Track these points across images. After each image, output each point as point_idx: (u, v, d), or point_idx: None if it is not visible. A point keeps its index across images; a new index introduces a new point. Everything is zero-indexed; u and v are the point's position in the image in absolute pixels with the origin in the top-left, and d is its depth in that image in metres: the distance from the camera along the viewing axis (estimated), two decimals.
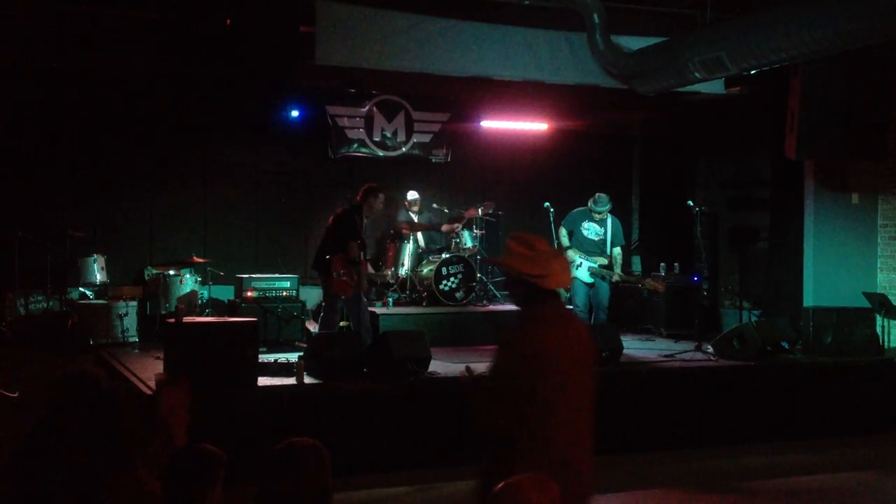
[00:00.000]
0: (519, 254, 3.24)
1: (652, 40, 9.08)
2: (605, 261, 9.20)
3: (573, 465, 3.16)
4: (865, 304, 9.22)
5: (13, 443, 3.05)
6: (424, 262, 10.40)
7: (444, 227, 10.80)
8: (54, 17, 8.72)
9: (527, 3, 8.80)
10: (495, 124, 11.87)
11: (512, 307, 10.31)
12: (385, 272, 10.32)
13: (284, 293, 9.41)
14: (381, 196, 8.87)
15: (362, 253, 8.42)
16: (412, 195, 10.84)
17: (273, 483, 2.55)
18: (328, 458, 2.66)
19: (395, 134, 11.56)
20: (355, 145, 11.35)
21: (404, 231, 10.45)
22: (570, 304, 9.50)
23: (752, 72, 8.23)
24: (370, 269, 9.70)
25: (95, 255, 9.63)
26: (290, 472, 2.56)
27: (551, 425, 3.10)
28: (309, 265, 9.96)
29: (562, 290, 5.29)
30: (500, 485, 2.47)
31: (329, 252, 8.38)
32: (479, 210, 10.70)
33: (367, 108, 11.39)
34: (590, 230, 9.28)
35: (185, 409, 3.24)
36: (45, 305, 9.32)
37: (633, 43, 9.21)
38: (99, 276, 9.62)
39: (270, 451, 2.63)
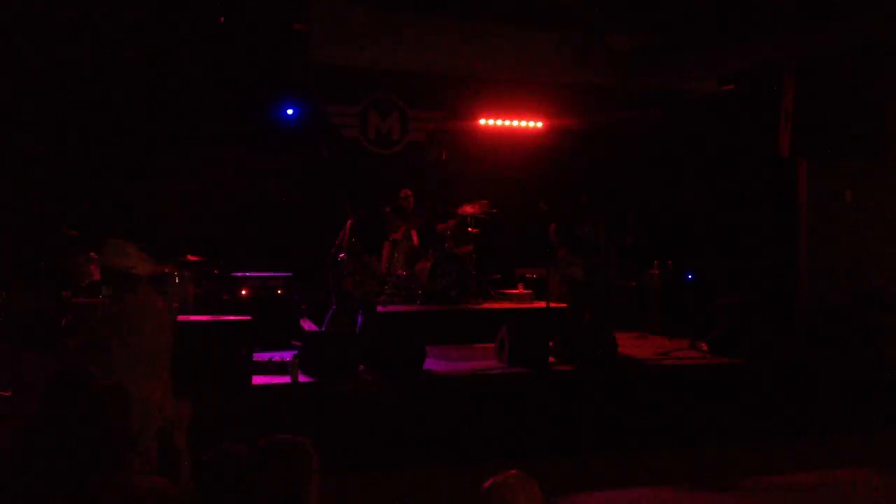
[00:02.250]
0: (113, 253, 4.67)
1: (647, 39, 9.11)
2: (598, 258, 9.21)
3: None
4: (859, 301, 9.24)
5: (4, 441, 3.04)
6: (419, 260, 10.40)
7: (440, 227, 10.79)
8: (53, 11, 8.67)
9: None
10: (490, 122, 11.87)
11: (511, 305, 10.39)
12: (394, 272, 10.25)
13: (279, 291, 9.39)
14: (401, 202, 8.88)
15: (375, 255, 8.46)
16: (407, 194, 10.83)
17: (249, 478, 2.60)
18: (308, 455, 2.67)
19: (389, 132, 11.56)
20: (350, 143, 11.35)
21: (400, 229, 10.44)
22: (566, 302, 9.53)
23: (746, 69, 8.26)
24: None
25: (90, 254, 9.59)
26: (265, 467, 2.60)
27: (133, 373, 4.08)
28: (305, 263, 9.94)
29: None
30: (488, 483, 2.59)
31: (346, 251, 8.31)
32: (474, 208, 10.70)
33: (361, 105, 11.39)
34: (583, 228, 9.29)
35: (188, 421, 3.35)
36: (39, 304, 9.28)
37: (627, 41, 9.23)
38: (93, 274, 9.58)
39: (248, 448, 2.68)
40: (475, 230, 10.75)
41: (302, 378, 6.99)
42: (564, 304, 9.59)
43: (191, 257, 9.35)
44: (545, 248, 9.68)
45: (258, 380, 6.90)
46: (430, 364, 7.59)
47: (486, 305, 10.37)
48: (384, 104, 11.53)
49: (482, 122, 11.84)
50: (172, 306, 4.83)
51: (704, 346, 8.77)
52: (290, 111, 10.93)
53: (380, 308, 9.59)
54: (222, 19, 9.13)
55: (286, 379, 6.99)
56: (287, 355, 7.61)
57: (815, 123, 8.84)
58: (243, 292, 9.24)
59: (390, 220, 9.03)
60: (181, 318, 7.08)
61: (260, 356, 7.55)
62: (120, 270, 4.61)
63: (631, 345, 9.33)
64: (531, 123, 12.02)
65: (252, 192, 10.98)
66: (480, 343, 9.02)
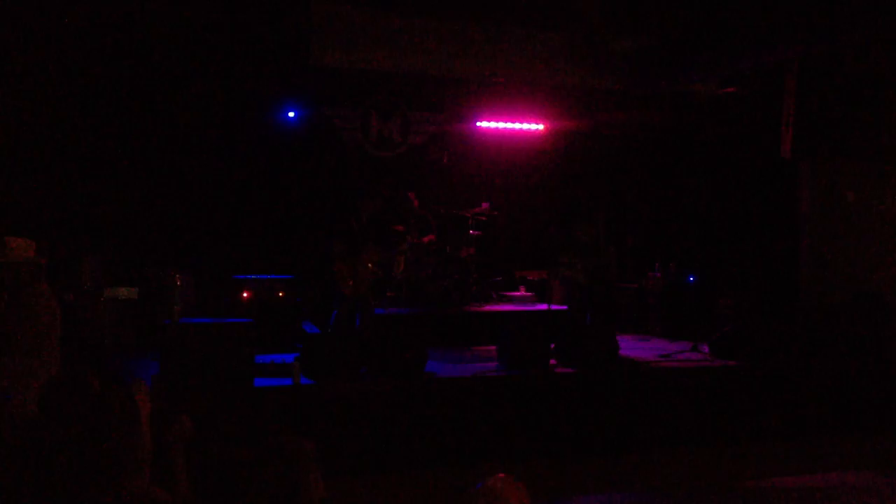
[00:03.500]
0: (22, 248, 5.17)
1: (648, 40, 9.12)
2: (599, 260, 9.20)
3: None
4: (860, 302, 9.24)
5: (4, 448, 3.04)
6: (420, 262, 10.39)
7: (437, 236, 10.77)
8: (50, 14, 8.69)
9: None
10: (492, 125, 11.88)
11: (512, 308, 10.39)
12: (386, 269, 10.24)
13: (280, 294, 9.40)
14: (379, 199, 8.85)
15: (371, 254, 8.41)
16: (409, 196, 10.84)
17: (249, 478, 2.61)
18: (308, 456, 2.68)
19: (391, 134, 11.56)
20: (351, 146, 11.36)
21: (402, 232, 10.44)
22: (567, 304, 9.53)
23: (748, 71, 8.27)
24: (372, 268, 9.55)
25: (91, 256, 9.60)
26: (265, 468, 2.61)
27: (42, 357, 4.79)
28: (306, 266, 9.94)
29: None
30: (478, 486, 2.61)
31: (332, 252, 8.33)
32: (476, 211, 10.71)
33: (363, 108, 11.39)
34: (583, 230, 9.29)
35: (186, 436, 3.38)
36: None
37: (629, 43, 9.24)
38: (94, 277, 9.59)
39: (249, 448, 2.69)
40: (476, 232, 10.75)
41: (303, 380, 6.99)
42: (565, 307, 9.59)
43: (192, 259, 9.38)
44: (546, 250, 9.68)
45: (260, 382, 6.90)
46: (432, 366, 7.59)
47: (488, 308, 10.37)
48: (386, 107, 11.53)
49: (483, 123, 11.85)
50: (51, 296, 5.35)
51: (706, 349, 8.77)
52: (291, 114, 10.95)
53: (381, 310, 9.60)
54: (223, 23, 9.15)
55: (288, 381, 7.00)
56: (289, 357, 7.63)
57: (816, 124, 8.84)
58: (245, 295, 9.25)
59: (392, 222, 9.02)
60: (183, 319, 7.09)
61: (261, 358, 7.58)
62: (26, 263, 5.11)
63: (632, 347, 9.33)
64: (532, 125, 12.04)
65: (253, 194, 10.99)
66: (482, 345, 9.03)
